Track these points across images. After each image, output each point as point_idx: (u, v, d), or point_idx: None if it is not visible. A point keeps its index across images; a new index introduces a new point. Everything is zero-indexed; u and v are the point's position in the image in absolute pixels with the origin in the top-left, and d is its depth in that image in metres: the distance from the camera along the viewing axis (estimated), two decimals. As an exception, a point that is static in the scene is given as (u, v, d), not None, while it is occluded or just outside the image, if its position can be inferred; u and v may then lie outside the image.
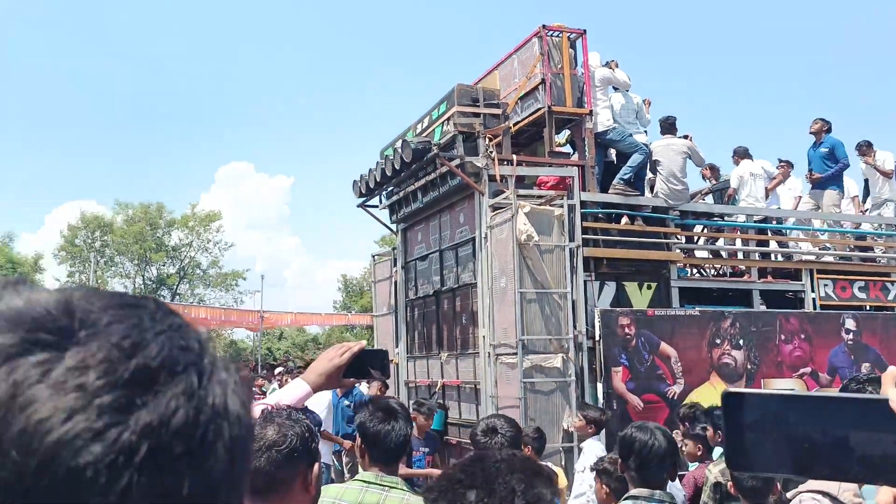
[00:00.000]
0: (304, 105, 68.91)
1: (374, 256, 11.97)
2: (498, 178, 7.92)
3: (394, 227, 10.73)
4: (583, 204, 8.03)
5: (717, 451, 5.10)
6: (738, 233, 9.35)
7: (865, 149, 10.10)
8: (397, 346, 10.31)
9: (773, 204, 10.02)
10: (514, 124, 8.50)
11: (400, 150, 8.62)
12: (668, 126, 8.59)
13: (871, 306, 9.36)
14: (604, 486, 3.58)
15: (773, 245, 9.71)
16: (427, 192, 9.16)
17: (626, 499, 2.71)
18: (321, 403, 7.68)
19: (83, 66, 61.82)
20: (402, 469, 5.09)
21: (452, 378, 8.95)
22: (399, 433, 2.53)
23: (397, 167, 8.78)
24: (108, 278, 39.82)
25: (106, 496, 0.39)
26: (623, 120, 8.47)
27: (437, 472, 5.42)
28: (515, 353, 7.39)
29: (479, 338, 8.12)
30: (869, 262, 9.80)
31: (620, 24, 67.04)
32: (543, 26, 8.26)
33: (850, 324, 8.74)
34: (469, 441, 8.25)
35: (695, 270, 9.74)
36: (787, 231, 10.00)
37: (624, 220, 8.48)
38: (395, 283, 10.55)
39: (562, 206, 7.76)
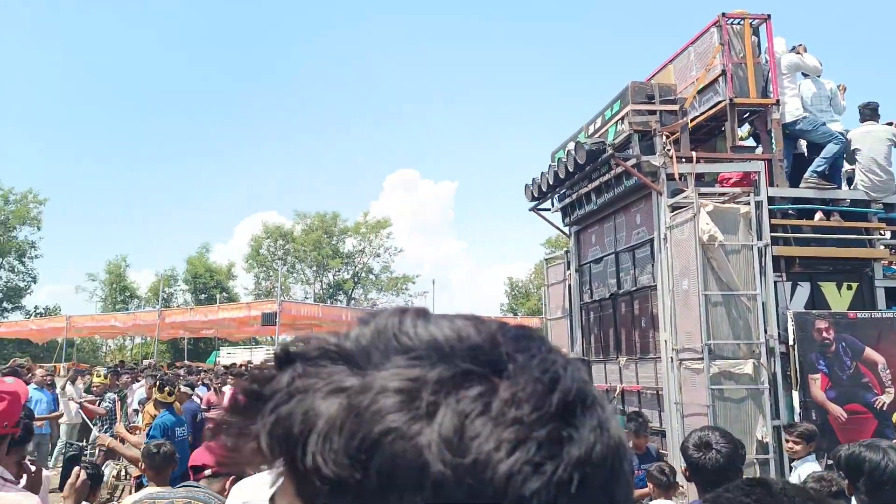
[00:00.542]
0: (468, 110, 70.22)
1: (545, 260, 11.94)
2: (676, 176, 7.63)
3: (566, 229, 10.65)
4: (770, 200, 7.54)
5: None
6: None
7: None
8: (572, 350, 10.21)
9: None
10: (692, 120, 8.15)
11: (573, 152, 8.54)
12: (870, 112, 7.86)
13: None
14: None
15: None
16: (601, 193, 9.01)
17: None
18: None
19: (248, 88, 66.79)
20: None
21: (632, 383, 8.73)
22: None
23: (570, 169, 8.70)
24: (291, 284, 42.68)
25: None
26: (814, 108, 7.87)
27: (644, 491, 5.18)
28: (701, 359, 7.08)
29: (661, 342, 7.86)
30: None
31: (808, 4, 62.35)
32: (723, 14, 7.86)
33: None
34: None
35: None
36: None
37: (818, 215, 7.86)
38: (569, 286, 10.46)
39: (748, 204, 7.34)
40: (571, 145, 9.21)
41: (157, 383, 8.18)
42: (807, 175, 7.79)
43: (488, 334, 0.47)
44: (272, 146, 68.01)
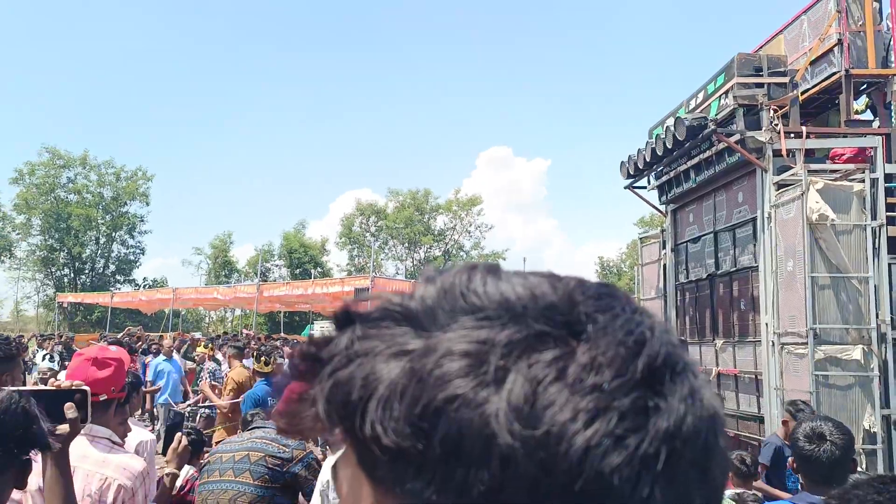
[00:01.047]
0: (563, 86, 69.16)
1: (640, 239, 11.67)
2: (784, 152, 7.29)
3: (662, 207, 10.36)
4: (888, 178, 7.10)
5: None
6: None
7: None
8: (667, 332, 9.96)
9: None
10: (803, 93, 7.74)
11: (672, 128, 8.28)
12: None
13: None
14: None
15: None
16: (700, 171, 8.71)
17: None
18: None
19: (341, 66, 67.82)
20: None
21: (729, 367, 8.45)
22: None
23: (669, 146, 8.44)
24: (382, 261, 43.45)
25: None
26: (940, 79, 7.31)
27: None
28: (805, 343, 6.78)
29: (761, 325, 7.56)
30: None
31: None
32: (840, -20, 7.40)
33: None
34: (747, 436, 7.78)
35: None
36: None
37: (941, 194, 7.34)
38: (664, 265, 10.19)
39: (862, 181, 6.93)
40: (671, 121, 8.92)
41: (255, 353, 8.50)
42: (930, 151, 7.28)
43: (565, 292, 0.42)
44: (367, 124, 69.15)
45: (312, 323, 32.60)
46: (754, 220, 7.84)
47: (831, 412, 6.57)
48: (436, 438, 0.37)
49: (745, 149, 7.47)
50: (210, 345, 13.54)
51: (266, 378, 7.69)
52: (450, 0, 68.25)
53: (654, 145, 8.91)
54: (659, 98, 60.60)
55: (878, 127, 7.63)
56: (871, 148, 7.15)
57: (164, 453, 4.05)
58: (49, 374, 9.18)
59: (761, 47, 8.66)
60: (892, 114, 7.42)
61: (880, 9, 7.46)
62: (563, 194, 69.97)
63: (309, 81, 68.13)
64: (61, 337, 17.75)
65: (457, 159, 72.10)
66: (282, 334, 28.05)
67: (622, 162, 10.11)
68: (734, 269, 8.37)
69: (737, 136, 7.53)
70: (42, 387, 1.94)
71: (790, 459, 2.70)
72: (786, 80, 7.65)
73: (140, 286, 42.42)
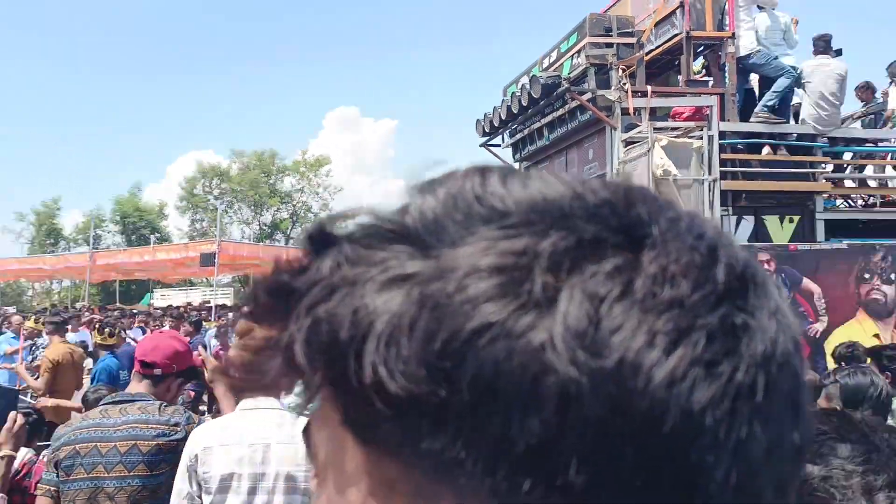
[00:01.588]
0: (410, 46, 68.89)
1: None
2: (631, 111, 7.65)
3: (517, 165, 10.62)
4: (721, 135, 7.64)
5: None
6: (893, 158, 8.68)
7: None
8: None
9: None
10: (648, 53, 8.13)
11: (527, 87, 8.44)
12: (824, 45, 7.90)
13: None
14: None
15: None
16: (554, 128, 8.97)
17: None
18: None
19: (182, 17, 63.87)
20: None
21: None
22: None
23: (525, 104, 8.61)
24: (228, 225, 41.76)
25: (720, 450, 0.29)
26: (768, 42, 7.90)
27: None
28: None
29: (614, 275, 7.99)
30: None
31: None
32: (681, -56, 7.78)
33: None
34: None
35: (842, 202, 9.14)
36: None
37: (766, 150, 8.03)
38: (520, 221, 10.49)
39: (700, 139, 7.43)
40: (525, 79, 9.10)
41: (98, 325, 7.91)
42: (757, 109, 7.91)
43: (617, 189, 0.34)
44: (206, 81, 65.49)
45: (152, 291, 30.92)
46: (604, 176, 8.20)
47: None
48: (463, 381, 0.29)
49: (596, 107, 7.76)
50: (41, 319, 12.43)
51: (111, 350, 7.18)
52: (288, -49, 65.58)
53: (509, 103, 9.06)
54: (506, 58, 61.91)
55: (714, 87, 8.18)
56: (708, 107, 7.66)
57: None
58: None
59: (611, 7, 8.98)
60: (726, 75, 7.97)
61: (716, -27, 7.94)
62: (411, 155, 70.34)
63: (142, 34, 63.34)
64: None
65: (303, 119, 70.35)
66: (118, 304, 26.37)
67: (478, 120, 10.22)
68: (587, 223, 8.74)
69: (588, 95, 7.81)
70: None
71: None
72: (633, 40, 8.02)
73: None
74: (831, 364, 5.99)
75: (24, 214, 40.70)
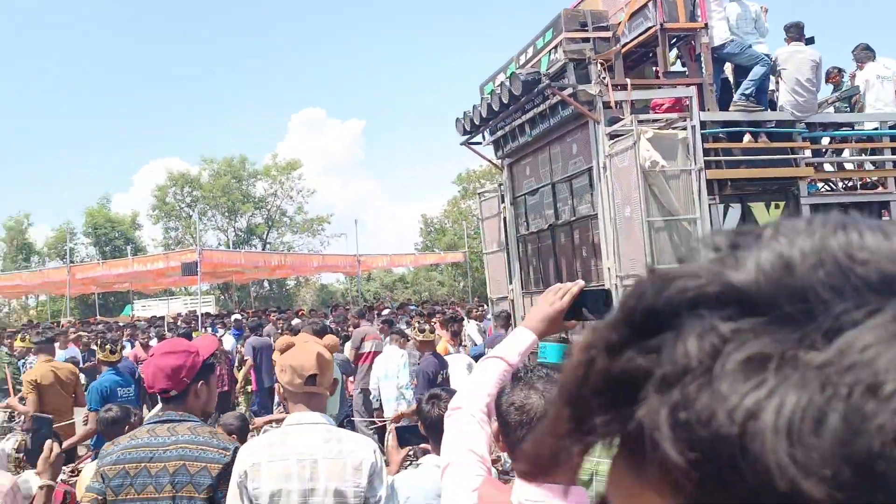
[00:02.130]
0: (375, 46, 68.50)
1: (479, 194, 11.92)
2: (613, 104, 7.67)
3: (499, 162, 10.62)
4: (702, 124, 7.69)
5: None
6: (870, 142, 8.79)
7: None
8: (511, 283, 10.34)
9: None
10: (623, 46, 8.15)
11: (507, 84, 8.43)
12: (796, 32, 8.02)
13: None
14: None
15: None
16: (535, 124, 8.97)
17: None
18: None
19: (141, 23, 62.94)
20: None
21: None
22: None
23: (505, 101, 8.60)
24: (202, 232, 41.26)
25: None
26: (740, 31, 7.97)
27: None
28: (644, 283, 7.27)
29: (604, 269, 8.03)
30: None
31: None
32: (652, -63, 7.81)
33: None
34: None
35: (824, 185, 9.25)
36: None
37: (747, 137, 8.10)
38: (504, 219, 10.51)
39: (684, 129, 7.48)
40: (502, 77, 9.09)
41: (99, 341, 7.77)
42: (735, 98, 7.98)
43: None
44: (168, 88, 64.64)
45: (133, 303, 30.52)
46: (590, 170, 8.23)
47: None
48: (880, 490, 0.25)
49: (578, 102, 7.78)
50: (27, 337, 12.21)
51: (113, 367, 6.94)
52: (249, -48, 64.84)
53: (489, 101, 9.04)
54: (477, 56, 61.70)
55: (691, 77, 8.22)
56: (687, 98, 7.70)
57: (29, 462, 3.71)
58: None
59: (580, 3, 8.98)
60: (702, 65, 8.03)
61: (688, -35, 7.98)
62: (380, 155, 70.01)
63: (100, 44, 62.35)
64: None
65: (269, 123, 69.67)
66: (98, 317, 26.01)
67: (457, 118, 10.19)
68: (574, 218, 8.78)
69: (569, 90, 7.81)
70: None
71: None
72: (609, 34, 8.03)
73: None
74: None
75: (-8, 231, 39.97)
